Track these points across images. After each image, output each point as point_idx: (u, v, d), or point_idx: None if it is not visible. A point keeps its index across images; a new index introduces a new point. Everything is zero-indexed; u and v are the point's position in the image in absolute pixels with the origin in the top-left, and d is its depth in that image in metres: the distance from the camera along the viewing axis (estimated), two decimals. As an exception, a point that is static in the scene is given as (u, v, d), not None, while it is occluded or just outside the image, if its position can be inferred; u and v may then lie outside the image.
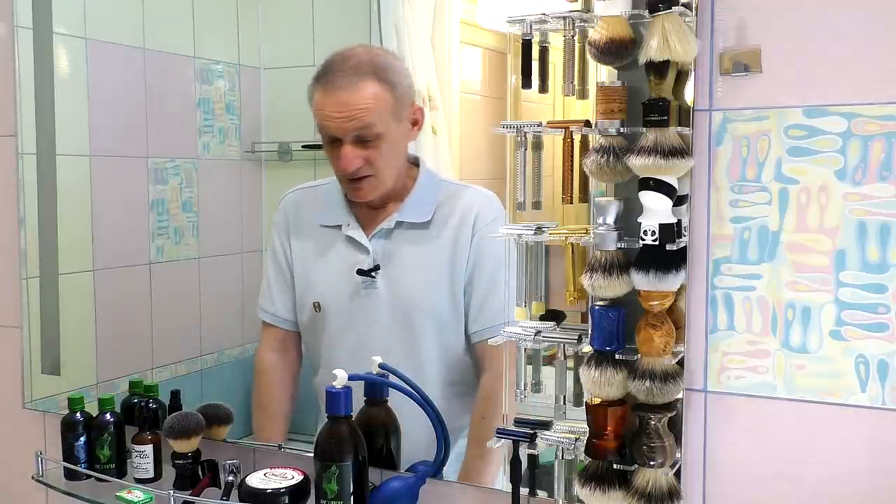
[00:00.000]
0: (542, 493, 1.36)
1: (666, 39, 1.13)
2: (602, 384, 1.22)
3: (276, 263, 1.67)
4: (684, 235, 1.24)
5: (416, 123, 1.53)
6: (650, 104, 1.17)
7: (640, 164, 1.16)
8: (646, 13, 1.16)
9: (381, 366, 1.45)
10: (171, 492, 1.50)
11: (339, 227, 1.60)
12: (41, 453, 1.68)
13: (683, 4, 1.18)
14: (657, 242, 1.18)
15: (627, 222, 1.23)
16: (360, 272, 1.56)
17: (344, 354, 1.59)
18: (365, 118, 1.47)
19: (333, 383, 1.36)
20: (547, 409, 1.34)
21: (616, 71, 1.24)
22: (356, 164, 1.49)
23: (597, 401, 1.25)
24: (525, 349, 1.35)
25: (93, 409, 1.66)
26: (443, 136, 1.58)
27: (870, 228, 1.19)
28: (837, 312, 1.21)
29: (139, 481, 1.58)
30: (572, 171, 1.26)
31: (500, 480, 1.43)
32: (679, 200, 1.20)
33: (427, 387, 1.48)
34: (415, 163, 1.57)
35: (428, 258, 1.56)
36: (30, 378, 1.86)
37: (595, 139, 1.23)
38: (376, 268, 1.55)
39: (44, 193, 1.83)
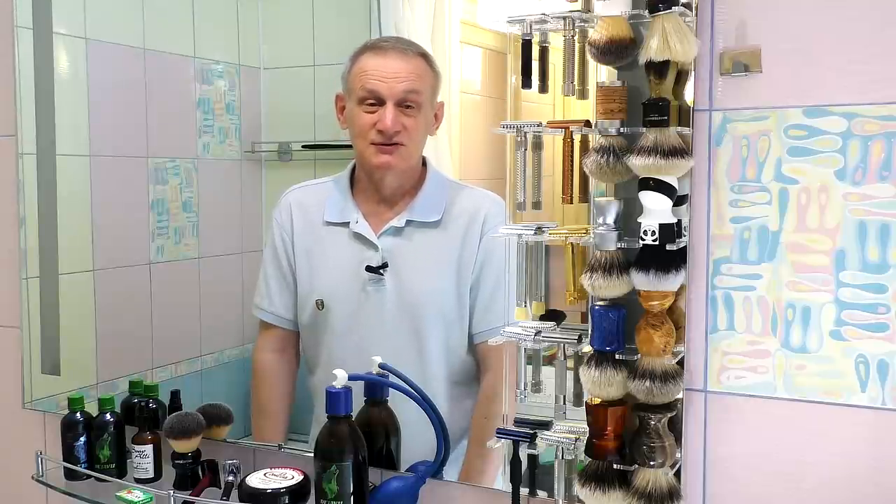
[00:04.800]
0: (542, 493, 1.36)
1: (666, 39, 1.13)
2: (602, 384, 1.22)
3: (277, 262, 1.66)
4: (684, 235, 1.24)
5: (437, 118, 1.56)
6: (650, 104, 1.17)
7: (640, 164, 1.16)
8: (646, 13, 1.16)
9: (381, 366, 1.45)
10: (171, 492, 1.50)
11: (346, 224, 1.60)
12: (41, 453, 1.68)
13: (683, 4, 1.18)
14: (657, 242, 1.18)
15: (627, 222, 1.23)
16: (370, 269, 1.56)
17: (348, 353, 1.59)
18: (415, 82, 1.52)
19: (333, 383, 1.36)
20: (547, 409, 1.34)
21: (616, 71, 1.24)
22: (397, 126, 1.51)
23: (597, 401, 1.25)
24: (525, 349, 1.35)
25: (93, 409, 1.66)
26: (443, 136, 1.58)
27: (870, 228, 1.19)
28: (837, 312, 1.21)
29: (139, 481, 1.58)
30: (572, 171, 1.26)
31: (500, 480, 1.43)
32: (679, 200, 1.20)
33: (433, 386, 1.48)
34: (422, 162, 1.58)
35: (437, 257, 1.56)
36: (30, 378, 1.86)
37: (595, 139, 1.23)
38: (385, 265, 1.56)
39: (44, 193, 1.83)
